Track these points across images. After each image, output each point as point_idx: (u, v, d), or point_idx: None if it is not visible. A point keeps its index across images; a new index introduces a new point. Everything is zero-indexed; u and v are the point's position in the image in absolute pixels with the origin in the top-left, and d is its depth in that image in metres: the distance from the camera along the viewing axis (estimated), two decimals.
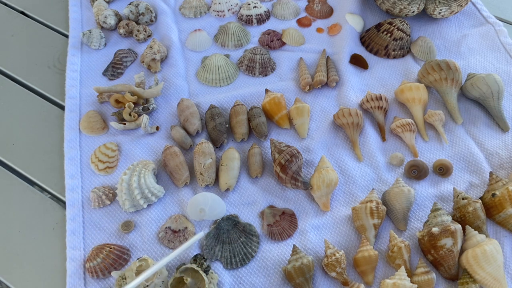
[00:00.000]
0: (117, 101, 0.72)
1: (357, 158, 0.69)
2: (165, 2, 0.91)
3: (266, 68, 0.80)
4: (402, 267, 0.55)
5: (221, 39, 0.84)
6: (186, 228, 0.60)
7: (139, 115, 0.71)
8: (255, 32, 0.87)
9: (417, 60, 0.82)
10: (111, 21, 0.85)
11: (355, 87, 0.77)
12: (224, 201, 0.63)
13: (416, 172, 0.66)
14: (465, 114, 0.74)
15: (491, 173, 0.63)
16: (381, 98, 0.72)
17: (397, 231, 0.62)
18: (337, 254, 0.56)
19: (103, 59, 0.82)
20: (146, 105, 0.72)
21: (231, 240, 0.60)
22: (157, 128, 0.71)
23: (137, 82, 0.75)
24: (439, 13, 0.84)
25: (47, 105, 0.76)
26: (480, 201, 0.60)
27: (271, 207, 0.63)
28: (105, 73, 0.79)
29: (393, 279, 0.54)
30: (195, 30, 0.85)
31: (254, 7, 0.89)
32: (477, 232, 0.58)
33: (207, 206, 0.38)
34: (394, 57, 0.83)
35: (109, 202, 0.64)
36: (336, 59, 0.81)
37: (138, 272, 0.53)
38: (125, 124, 0.70)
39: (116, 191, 0.64)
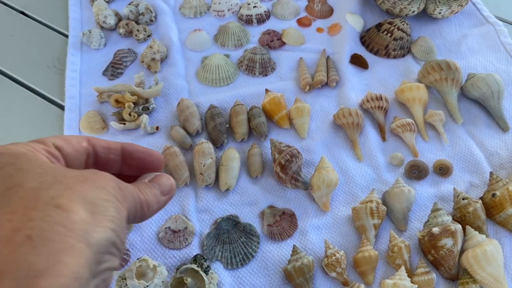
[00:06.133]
0: (117, 101, 0.72)
1: (357, 158, 0.69)
2: (165, 2, 0.91)
3: (266, 68, 0.80)
4: (402, 267, 0.55)
5: (221, 39, 0.84)
6: (186, 228, 0.60)
7: (139, 115, 0.71)
8: (255, 32, 0.87)
9: (417, 60, 0.82)
10: (111, 21, 0.84)
11: (355, 87, 0.77)
12: (224, 202, 0.63)
13: (416, 172, 0.66)
14: (465, 114, 0.74)
15: (491, 173, 0.63)
16: (381, 98, 0.72)
17: (397, 231, 0.62)
18: (337, 254, 0.56)
19: (103, 59, 0.81)
20: (146, 105, 0.72)
21: (231, 240, 0.60)
22: (157, 128, 0.71)
23: (137, 82, 0.75)
24: (439, 13, 0.84)
25: (47, 105, 0.76)
26: (480, 201, 0.60)
27: (271, 207, 0.63)
28: (105, 73, 0.79)
29: (394, 279, 0.54)
30: (195, 30, 0.85)
31: (254, 6, 0.88)
32: (477, 232, 0.57)
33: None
34: (395, 57, 0.82)
35: None
36: (336, 59, 0.81)
37: (139, 273, 0.53)
38: (125, 124, 0.70)
39: None
